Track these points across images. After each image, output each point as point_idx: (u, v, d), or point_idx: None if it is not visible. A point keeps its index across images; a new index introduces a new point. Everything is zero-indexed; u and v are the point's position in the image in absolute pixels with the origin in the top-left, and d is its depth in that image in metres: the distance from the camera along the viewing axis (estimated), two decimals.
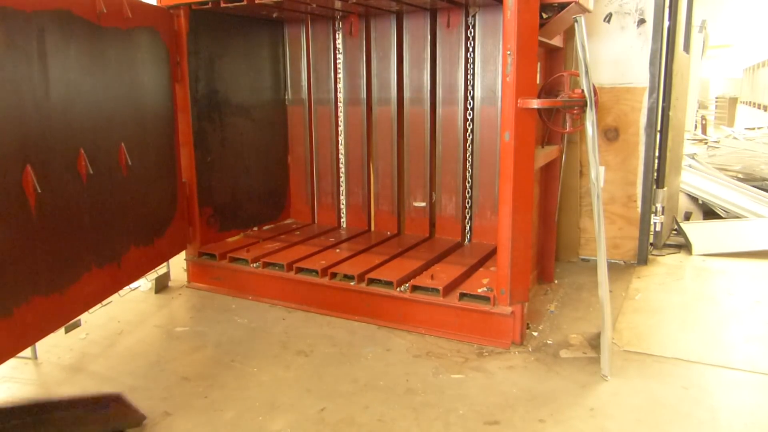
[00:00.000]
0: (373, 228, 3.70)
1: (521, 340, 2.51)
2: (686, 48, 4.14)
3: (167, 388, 2.21)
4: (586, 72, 2.31)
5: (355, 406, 2.07)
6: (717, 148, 8.12)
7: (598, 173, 2.32)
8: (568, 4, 2.49)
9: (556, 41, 3.00)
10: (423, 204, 3.54)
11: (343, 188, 3.77)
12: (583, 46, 2.28)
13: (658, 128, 3.49)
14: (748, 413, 1.99)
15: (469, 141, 3.33)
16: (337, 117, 3.70)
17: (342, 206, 3.80)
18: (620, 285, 3.21)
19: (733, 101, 14.07)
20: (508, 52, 2.26)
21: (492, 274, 2.75)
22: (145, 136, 2.77)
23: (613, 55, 3.42)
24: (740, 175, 5.75)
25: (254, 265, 3.03)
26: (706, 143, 8.89)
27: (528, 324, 2.65)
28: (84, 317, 2.66)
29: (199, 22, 3.11)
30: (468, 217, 3.40)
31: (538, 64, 2.65)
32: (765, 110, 14.70)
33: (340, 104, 3.68)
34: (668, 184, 3.70)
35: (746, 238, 3.93)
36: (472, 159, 3.34)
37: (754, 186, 5.20)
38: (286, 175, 3.92)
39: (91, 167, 2.35)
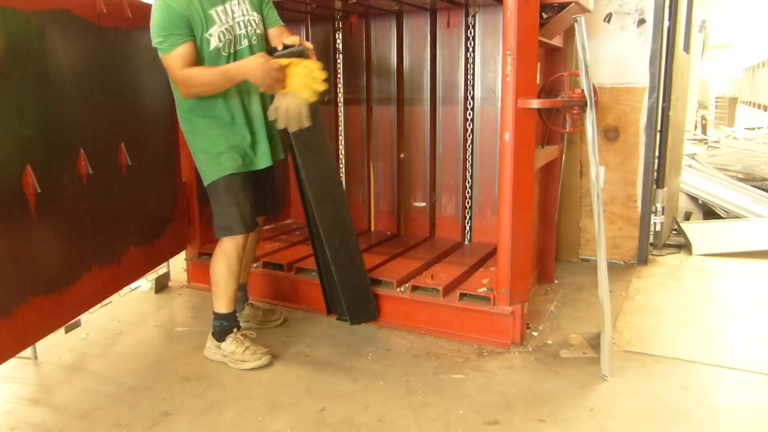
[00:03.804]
0: (373, 228, 3.70)
1: (521, 340, 2.51)
2: (686, 48, 4.14)
3: (167, 388, 2.21)
4: (586, 72, 2.31)
5: (355, 406, 2.07)
6: (717, 148, 8.12)
7: (598, 173, 2.32)
8: (568, 4, 2.49)
9: (556, 41, 3.00)
10: (423, 204, 3.54)
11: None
12: (583, 46, 2.29)
13: (658, 128, 3.49)
14: (748, 413, 2.00)
15: (469, 141, 3.33)
16: (337, 117, 3.70)
17: None
18: (620, 285, 3.21)
19: (733, 101, 14.06)
20: (508, 52, 2.26)
21: (492, 274, 2.75)
22: (145, 136, 2.77)
23: (613, 55, 3.42)
24: (740, 175, 5.75)
25: (254, 265, 3.02)
26: (706, 143, 8.88)
27: (528, 324, 2.65)
28: (84, 317, 2.66)
29: None
30: (468, 217, 3.40)
31: (538, 64, 2.65)
32: (765, 110, 14.72)
33: (340, 104, 3.68)
34: (668, 184, 3.70)
35: (746, 238, 3.93)
36: (472, 159, 3.34)
37: (754, 186, 5.19)
38: (286, 175, 3.91)
39: (91, 167, 2.35)
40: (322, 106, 3.71)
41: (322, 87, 2.21)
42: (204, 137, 2.30)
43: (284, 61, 2.18)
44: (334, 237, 2.54)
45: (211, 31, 2.20)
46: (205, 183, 2.36)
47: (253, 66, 2.15)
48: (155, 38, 2.16)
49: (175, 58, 2.14)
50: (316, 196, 2.48)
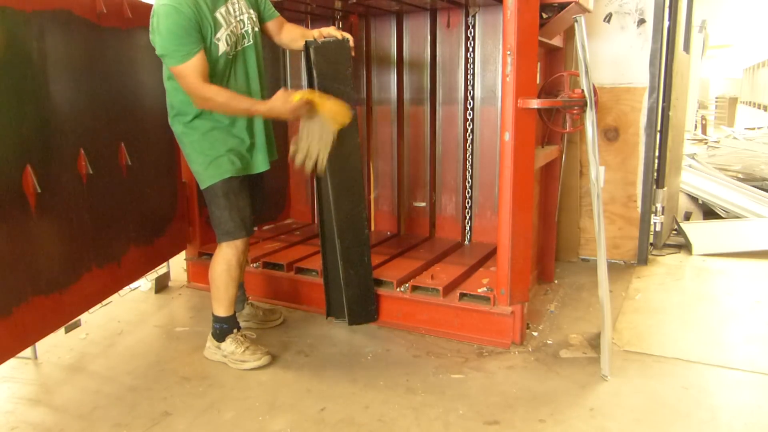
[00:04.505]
0: (373, 228, 3.70)
1: (521, 340, 2.51)
2: (686, 48, 4.14)
3: (167, 388, 2.21)
4: (586, 72, 2.31)
5: (355, 406, 2.07)
6: (717, 148, 8.12)
7: (598, 173, 2.32)
8: (568, 4, 2.49)
9: (556, 41, 3.00)
10: (423, 204, 3.54)
11: None
12: (583, 46, 2.29)
13: (658, 128, 3.49)
14: (748, 413, 2.00)
15: (469, 141, 3.33)
16: None
17: None
18: (620, 285, 3.21)
19: (733, 101, 14.05)
20: (508, 52, 2.26)
21: (492, 274, 2.75)
22: (145, 136, 2.77)
23: (613, 55, 3.42)
24: (740, 175, 5.75)
25: (254, 265, 3.03)
26: (706, 143, 8.88)
27: (528, 324, 2.65)
28: (84, 317, 2.66)
29: None
30: (468, 217, 3.40)
31: (538, 64, 2.65)
32: (765, 110, 14.71)
33: None
34: (668, 184, 3.70)
35: (746, 238, 3.93)
36: (472, 159, 3.34)
37: (754, 186, 5.19)
38: (285, 175, 3.91)
39: (91, 167, 2.34)
40: None
41: (347, 120, 2.28)
42: (203, 140, 2.28)
43: (308, 95, 2.22)
44: (348, 232, 2.54)
45: (218, 35, 2.17)
46: (202, 186, 2.32)
47: (280, 107, 2.18)
48: (166, 47, 2.08)
49: (190, 70, 2.09)
50: (336, 188, 2.48)
